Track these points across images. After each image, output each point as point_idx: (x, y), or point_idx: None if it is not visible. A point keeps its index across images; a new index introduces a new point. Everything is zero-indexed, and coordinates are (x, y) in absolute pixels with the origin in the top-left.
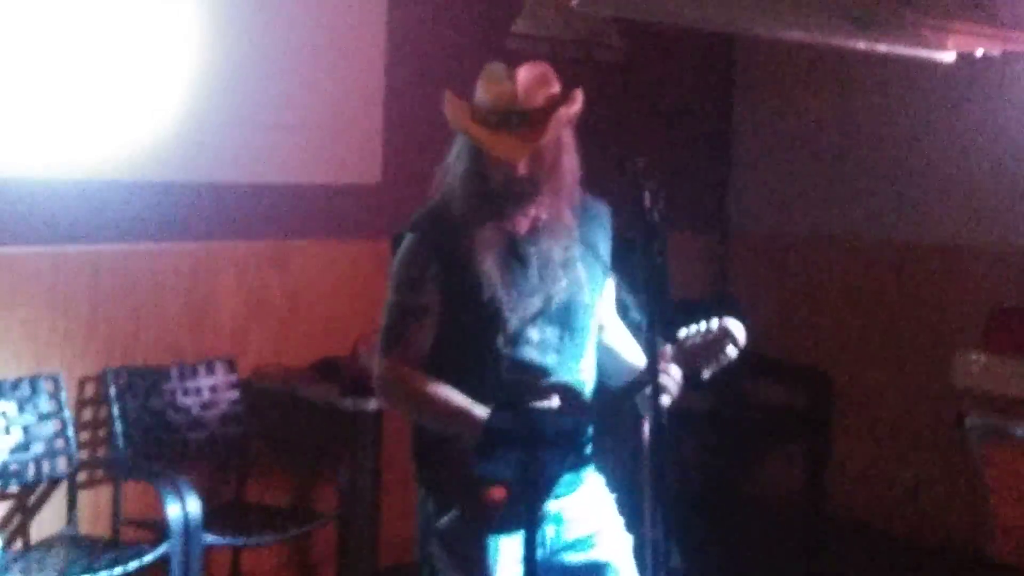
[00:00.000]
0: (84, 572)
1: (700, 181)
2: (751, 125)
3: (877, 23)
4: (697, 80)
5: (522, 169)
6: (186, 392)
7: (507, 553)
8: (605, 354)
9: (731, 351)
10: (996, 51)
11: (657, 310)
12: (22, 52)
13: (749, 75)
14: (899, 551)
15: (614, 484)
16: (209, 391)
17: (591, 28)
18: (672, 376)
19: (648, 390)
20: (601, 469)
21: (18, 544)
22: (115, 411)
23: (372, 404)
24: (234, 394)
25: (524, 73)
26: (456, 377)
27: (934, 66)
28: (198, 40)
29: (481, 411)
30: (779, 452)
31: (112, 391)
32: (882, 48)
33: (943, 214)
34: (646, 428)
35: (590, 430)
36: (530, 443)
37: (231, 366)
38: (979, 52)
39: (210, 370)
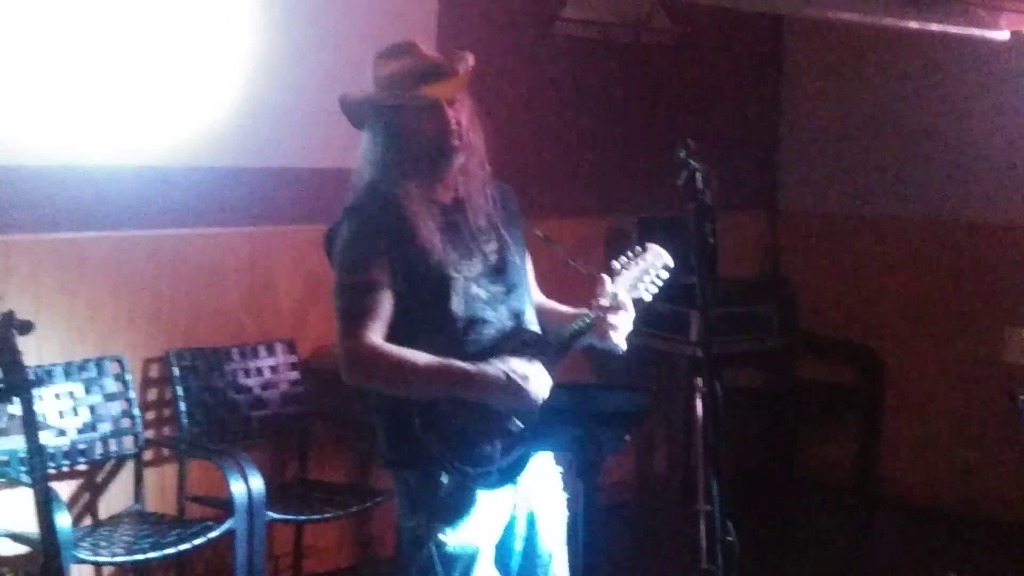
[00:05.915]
0: (152, 548)
1: (750, 161)
2: (801, 105)
3: (930, 1)
4: (746, 61)
5: (452, 117)
6: (247, 373)
7: (484, 507)
8: (539, 312)
9: (664, 273)
10: None
11: (708, 289)
12: (81, 42)
13: (797, 55)
14: (950, 529)
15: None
16: (270, 371)
17: (640, 11)
18: (623, 310)
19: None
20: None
21: (87, 520)
22: (179, 391)
23: None
24: (294, 374)
25: (417, 42)
26: (416, 344)
27: (984, 46)
28: (254, 27)
29: (462, 364)
30: (830, 430)
31: (175, 372)
32: (934, 27)
33: (993, 193)
34: (699, 404)
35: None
36: (586, 420)
37: (291, 347)
38: None
39: (270, 351)
